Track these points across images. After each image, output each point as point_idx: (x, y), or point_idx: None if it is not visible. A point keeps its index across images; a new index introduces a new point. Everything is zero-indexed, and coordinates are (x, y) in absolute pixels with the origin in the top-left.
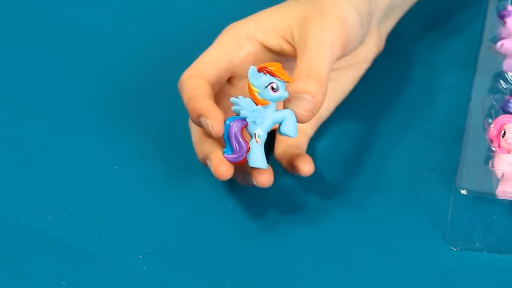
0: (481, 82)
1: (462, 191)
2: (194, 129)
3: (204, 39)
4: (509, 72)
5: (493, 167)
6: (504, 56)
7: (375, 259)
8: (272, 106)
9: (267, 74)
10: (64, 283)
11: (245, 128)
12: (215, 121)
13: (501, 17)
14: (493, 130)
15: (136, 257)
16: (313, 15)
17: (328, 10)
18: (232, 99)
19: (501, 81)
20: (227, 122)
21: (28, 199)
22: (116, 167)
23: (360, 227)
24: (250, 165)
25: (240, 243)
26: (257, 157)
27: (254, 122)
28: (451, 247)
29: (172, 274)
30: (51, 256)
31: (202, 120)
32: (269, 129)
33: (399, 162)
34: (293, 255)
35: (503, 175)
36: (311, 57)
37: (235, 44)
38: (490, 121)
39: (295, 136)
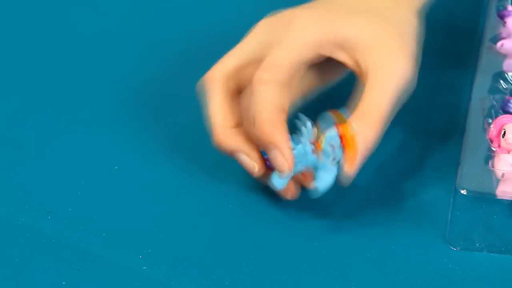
0: (481, 82)
1: (462, 191)
2: (220, 116)
3: (204, 39)
4: (509, 72)
5: (493, 167)
6: (504, 56)
7: (375, 259)
8: (309, 147)
9: (337, 132)
10: (64, 283)
11: None
12: (288, 159)
13: (501, 17)
14: (493, 130)
15: (136, 257)
16: (392, 42)
17: (407, 35)
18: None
19: (501, 81)
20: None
21: (28, 199)
22: (116, 167)
23: (360, 227)
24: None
25: (240, 243)
26: (276, 179)
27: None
28: (451, 247)
29: (172, 274)
30: (51, 256)
31: (271, 150)
32: (299, 171)
33: (399, 162)
34: (293, 255)
35: (503, 175)
36: (377, 94)
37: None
38: (490, 121)
39: (321, 191)
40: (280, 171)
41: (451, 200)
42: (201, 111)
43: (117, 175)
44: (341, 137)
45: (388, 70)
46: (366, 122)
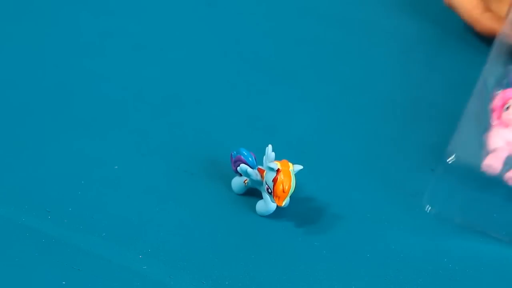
0: (492, 69)
1: (450, 157)
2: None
3: (204, 39)
4: None
5: (487, 139)
6: None
7: (375, 259)
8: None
9: (278, 175)
10: (64, 283)
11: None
12: None
13: None
14: (498, 100)
15: (136, 257)
16: None
17: None
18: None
19: None
20: (234, 153)
21: (28, 199)
22: (116, 167)
23: (360, 227)
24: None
25: (240, 243)
26: (234, 184)
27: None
28: (427, 206)
29: (172, 274)
30: (51, 256)
31: None
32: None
33: (400, 162)
34: (293, 255)
35: (494, 149)
36: None
37: None
38: (498, 91)
39: (258, 212)
40: None
41: (440, 166)
42: (200, 111)
43: (117, 175)
44: (277, 171)
45: None
46: None
